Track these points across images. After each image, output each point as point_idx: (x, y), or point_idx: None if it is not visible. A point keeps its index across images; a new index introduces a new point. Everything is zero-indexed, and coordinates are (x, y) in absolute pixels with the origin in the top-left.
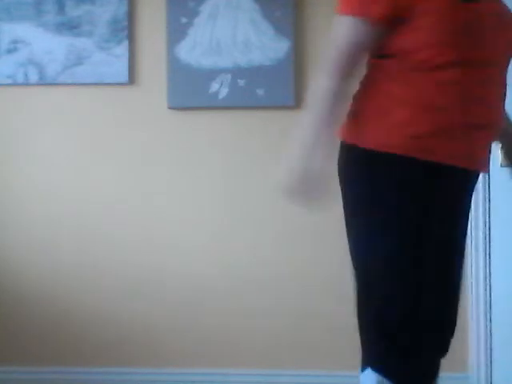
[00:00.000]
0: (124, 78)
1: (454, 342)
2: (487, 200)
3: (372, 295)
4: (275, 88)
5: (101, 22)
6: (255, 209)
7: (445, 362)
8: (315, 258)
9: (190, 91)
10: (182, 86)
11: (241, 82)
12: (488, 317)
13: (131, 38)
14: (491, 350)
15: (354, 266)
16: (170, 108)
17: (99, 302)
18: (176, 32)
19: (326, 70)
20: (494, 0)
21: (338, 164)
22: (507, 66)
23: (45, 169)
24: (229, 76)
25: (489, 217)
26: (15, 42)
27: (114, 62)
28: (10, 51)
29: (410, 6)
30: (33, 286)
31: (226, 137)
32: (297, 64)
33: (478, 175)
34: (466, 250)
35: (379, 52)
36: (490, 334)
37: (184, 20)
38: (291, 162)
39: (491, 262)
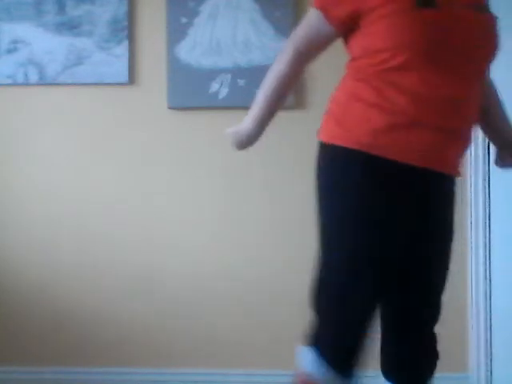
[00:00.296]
0: (124, 78)
1: (454, 342)
2: (487, 200)
3: (317, 276)
4: None
5: (101, 22)
6: (255, 209)
7: (445, 362)
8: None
9: (190, 91)
10: (182, 86)
11: (241, 82)
12: (488, 317)
13: (131, 37)
14: (491, 350)
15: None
16: (170, 108)
17: (99, 301)
18: (176, 32)
19: (281, 54)
20: (469, 6)
21: (316, 159)
22: (482, 71)
23: (45, 169)
24: (229, 76)
25: (489, 217)
26: (15, 41)
27: (114, 62)
28: (10, 51)
29: (367, 12)
30: (33, 285)
31: (226, 137)
32: None
33: (451, 179)
34: (466, 250)
35: (349, 54)
36: (489, 334)
37: (184, 20)
38: (241, 126)
39: (491, 262)
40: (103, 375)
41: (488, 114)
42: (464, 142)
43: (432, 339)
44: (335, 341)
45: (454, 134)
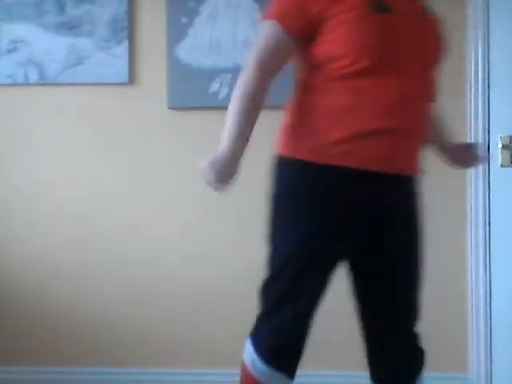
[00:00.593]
0: (124, 78)
1: (454, 342)
2: (487, 200)
3: (266, 275)
4: (275, 88)
5: (101, 22)
6: (257, 209)
7: (445, 362)
8: None
9: (189, 91)
10: (182, 86)
11: None
12: (488, 317)
13: (131, 38)
14: (491, 349)
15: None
16: (170, 108)
17: (99, 302)
18: (176, 32)
19: (244, 70)
20: (416, 10)
21: (271, 168)
22: (432, 73)
23: (45, 168)
24: (229, 76)
25: (489, 217)
26: (15, 41)
27: (114, 62)
28: (10, 51)
29: (323, 20)
30: (33, 285)
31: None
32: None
33: (410, 179)
34: (466, 250)
35: (303, 64)
36: (490, 334)
37: (184, 20)
38: (216, 153)
39: (491, 262)
40: (103, 375)
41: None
42: (419, 141)
43: (413, 338)
44: (271, 337)
45: (409, 135)
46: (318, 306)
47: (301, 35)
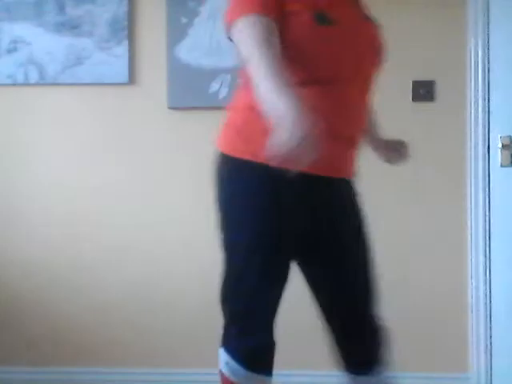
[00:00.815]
0: (124, 78)
1: (454, 342)
2: (487, 200)
3: (226, 283)
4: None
5: (101, 22)
6: None
7: (445, 362)
8: None
9: (190, 91)
10: (182, 85)
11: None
12: (488, 317)
13: (131, 37)
14: (491, 350)
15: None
16: (170, 108)
17: (99, 302)
18: (176, 32)
19: (261, 74)
20: (358, 18)
21: (215, 168)
22: (372, 79)
23: (45, 169)
24: (229, 76)
25: (489, 217)
26: (15, 41)
27: (114, 62)
28: (9, 51)
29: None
30: (33, 286)
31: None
32: None
33: (348, 181)
34: (466, 250)
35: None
36: (489, 333)
37: (184, 20)
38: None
39: (491, 262)
40: (103, 375)
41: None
42: (357, 147)
43: (374, 319)
44: (242, 341)
45: (350, 141)
46: (279, 304)
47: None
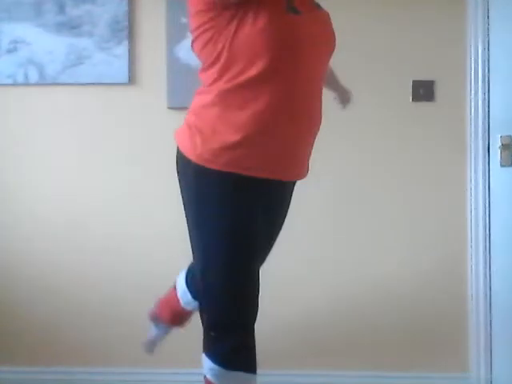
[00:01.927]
0: (124, 78)
1: (454, 342)
2: (487, 200)
3: (201, 288)
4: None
5: (101, 22)
6: None
7: (445, 362)
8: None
9: (189, 91)
10: (182, 86)
11: None
12: (488, 317)
13: (131, 38)
14: (491, 350)
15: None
16: (169, 108)
17: (100, 302)
18: (176, 32)
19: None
20: (315, 10)
21: (177, 164)
22: (325, 68)
23: (45, 169)
24: None
25: (489, 217)
26: (15, 42)
27: (114, 62)
28: (9, 51)
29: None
30: (33, 285)
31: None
32: None
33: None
34: (466, 250)
35: (208, 60)
36: (490, 334)
37: (184, 20)
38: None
39: (491, 262)
40: (103, 375)
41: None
42: (312, 141)
43: None
44: (222, 343)
45: (304, 137)
46: (257, 303)
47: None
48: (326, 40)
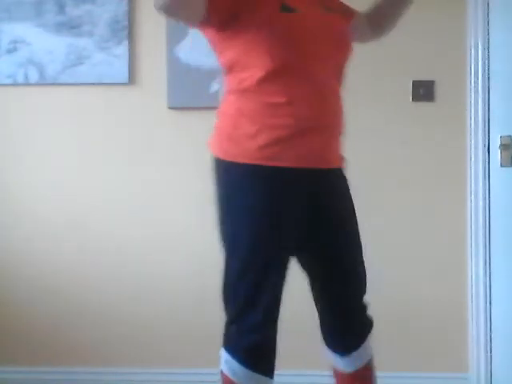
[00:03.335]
0: (124, 78)
1: (454, 342)
2: (487, 200)
3: (225, 282)
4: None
5: (101, 22)
6: None
7: (445, 362)
8: None
9: (189, 91)
10: (182, 85)
11: None
12: (488, 317)
13: (131, 38)
14: (491, 350)
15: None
16: (170, 108)
17: (99, 302)
18: (176, 32)
19: None
20: (321, 11)
21: (212, 172)
22: (342, 66)
23: (45, 169)
24: None
25: (489, 217)
26: (15, 42)
27: (114, 62)
28: (9, 51)
29: (236, 13)
30: (33, 285)
31: None
32: None
33: (339, 172)
34: (466, 250)
35: (226, 66)
36: (489, 334)
37: None
38: None
39: (491, 262)
40: (103, 375)
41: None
42: (338, 134)
43: (363, 309)
44: (243, 339)
45: (330, 130)
46: (281, 301)
47: (221, 15)
48: (331, 36)
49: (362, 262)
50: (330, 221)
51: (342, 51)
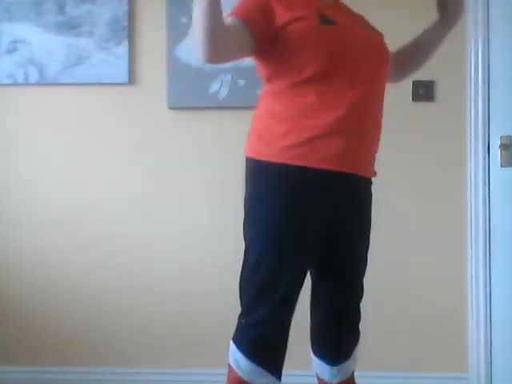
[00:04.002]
0: (124, 78)
1: (454, 342)
2: (487, 200)
3: (242, 275)
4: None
5: (101, 22)
6: None
7: (445, 362)
8: None
9: (190, 91)
10: (182, 85)
11: (241, 82)
12: (488, 317)
13: (131, 38)
14: (491, 350)
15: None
16: (170, 108)
17: (100, 302)
18: (176, 32)
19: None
20: (357, 23)
21: (245, 172)
22: (381, 77)
23: (45, 169)
24: (229, 76)
25: (489, 217)
26: (15, 41)
27: (114, 62)
28: (9, 51)
29: (280, 26)
30: (33, 285)
31: (226, 137)
32: None
33: (367, 181)
34: (466, 250)
35: (264, 75)
36: (489, 334)
37: (184, 20)
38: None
39: (491, 262)
40: (103, 375)
41: (407, 53)
42: (375, 142)
43: (358, 320)
44: (250, 331)
45: (365, 137)
46: (295, 300)
47: (260, 33)
48: (371, 49)
49: (364, 274)
50: (348, 234)
51: (378, 63)
